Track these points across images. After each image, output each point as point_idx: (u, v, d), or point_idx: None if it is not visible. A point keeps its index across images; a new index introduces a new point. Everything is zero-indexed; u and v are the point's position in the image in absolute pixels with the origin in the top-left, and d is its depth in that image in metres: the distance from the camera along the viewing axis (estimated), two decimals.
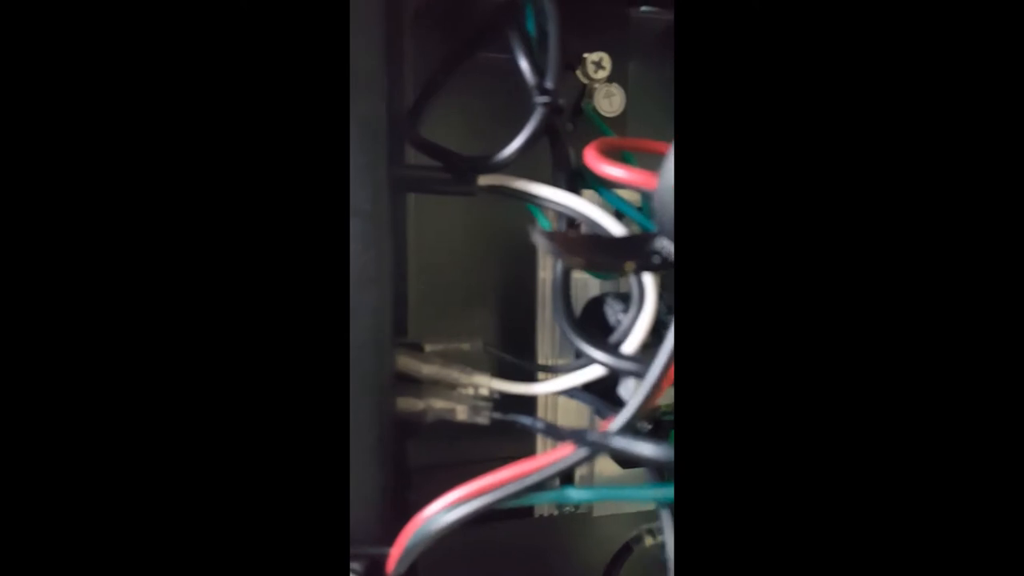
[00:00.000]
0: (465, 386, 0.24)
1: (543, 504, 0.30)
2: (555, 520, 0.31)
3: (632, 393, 0.18)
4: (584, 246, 0.20)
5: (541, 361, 0.28)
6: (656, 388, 0.17)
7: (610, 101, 0.28)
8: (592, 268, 0.24)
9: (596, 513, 0.32)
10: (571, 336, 0.23)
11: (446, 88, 0.26)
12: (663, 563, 0.22)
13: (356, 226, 0.19)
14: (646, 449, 0.16)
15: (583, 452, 0.18)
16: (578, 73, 0.28)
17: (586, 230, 0.24)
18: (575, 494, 0.19)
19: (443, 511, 0.19)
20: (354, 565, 0.20)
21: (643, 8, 0.30)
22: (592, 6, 0.28)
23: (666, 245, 0.19)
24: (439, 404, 0.23)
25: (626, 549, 0.30)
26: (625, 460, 0.29)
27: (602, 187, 0.25)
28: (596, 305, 0.25)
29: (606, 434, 0.17)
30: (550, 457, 0.18)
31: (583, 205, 0.23)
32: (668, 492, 0.20)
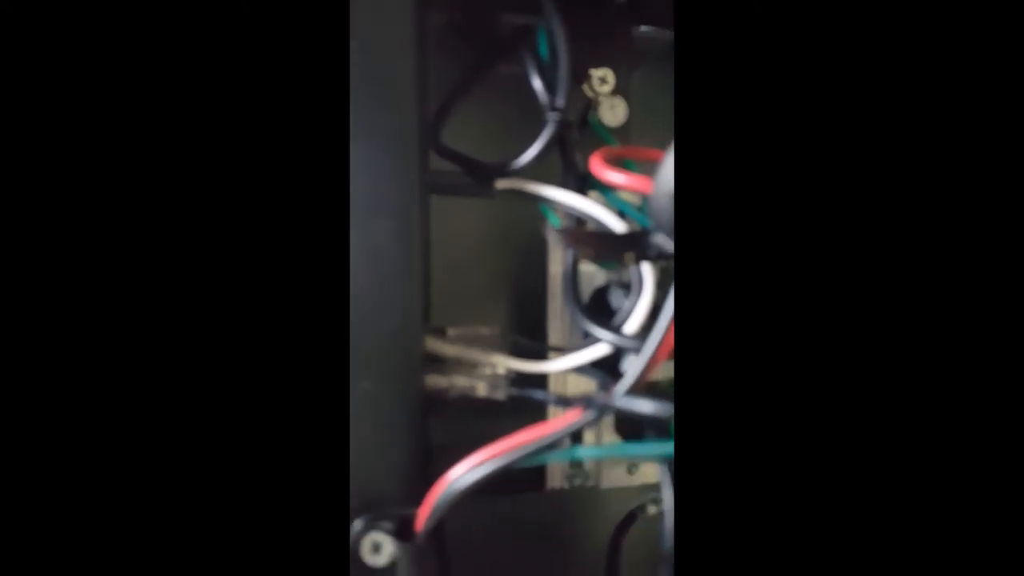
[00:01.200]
0: (484, 365, 0.26)
1: (555, 467, 0.31)
2: (565, 493, 0.33)
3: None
4: (591, 240, 0.23)
5: (552, 344, 0.31)
6: (651, 360, 0.20)
7: (613, 113, 0.30)
8: (598, 259, 0.27)
9: (604, 486, 0.33)
10: (580, 319, 0.25)
11: (467, 99, 0.28)
12: (664, 529, 0.24)
13: (391, 225, 0.21)
14: (646, 406, 0.19)
15: (591, 414, 0.20)
16: (584, 87, 0.30)
17: (592, 227, 0.27)
18: (583, 451, 0.21)
19: (466, 472, 0.21)
20: (385, 524, 0.22)
21: (643, 28, 0.32)
22: (598, 26, 0.31)
23: (661, 240, 0.22)
24: (461, 381, 0.25)
25: (631, 517, 0.32)
26: (628, 431, 0.31)
27: (606, 190, 0.28)
28: (601, 293, 0.28)
29: (610, 396, 0.20)
30: (562, 420, 0.21)
31: (589, 205, 0.26)
32: (669, 448, 0.22)
